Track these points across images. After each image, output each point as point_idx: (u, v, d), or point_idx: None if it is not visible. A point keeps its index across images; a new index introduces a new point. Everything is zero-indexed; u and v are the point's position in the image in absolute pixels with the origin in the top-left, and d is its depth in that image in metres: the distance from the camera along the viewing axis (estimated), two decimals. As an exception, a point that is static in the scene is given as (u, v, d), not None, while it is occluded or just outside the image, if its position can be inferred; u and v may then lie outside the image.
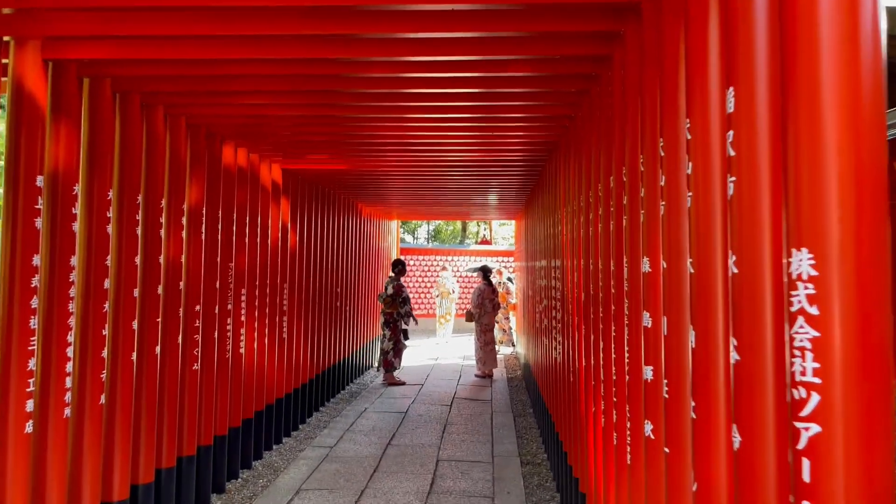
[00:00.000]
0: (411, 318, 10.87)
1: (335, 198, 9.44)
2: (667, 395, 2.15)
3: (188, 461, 4.94)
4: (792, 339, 1.25)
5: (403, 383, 10.53)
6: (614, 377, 3.05)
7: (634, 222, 2.73)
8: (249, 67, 3.69)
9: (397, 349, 10.68)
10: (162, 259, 4.48)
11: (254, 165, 6.14)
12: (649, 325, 2.44)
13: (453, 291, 16.37)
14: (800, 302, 1.23)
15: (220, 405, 5.51)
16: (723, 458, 1.81)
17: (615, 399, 3.05)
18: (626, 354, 2.79)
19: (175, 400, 4.70)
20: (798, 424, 1.24)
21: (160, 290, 4.43)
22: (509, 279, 15.20)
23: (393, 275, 11.00)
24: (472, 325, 12.38)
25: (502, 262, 19.46)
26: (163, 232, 4.46)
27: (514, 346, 14.73)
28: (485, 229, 28.22)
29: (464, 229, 29.57)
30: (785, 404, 1.41)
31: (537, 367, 8.10)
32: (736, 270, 1.54)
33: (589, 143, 3.76)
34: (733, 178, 1.56)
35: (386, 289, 10.89)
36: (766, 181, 1.50)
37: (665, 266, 2.17)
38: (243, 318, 5.87)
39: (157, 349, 4.41)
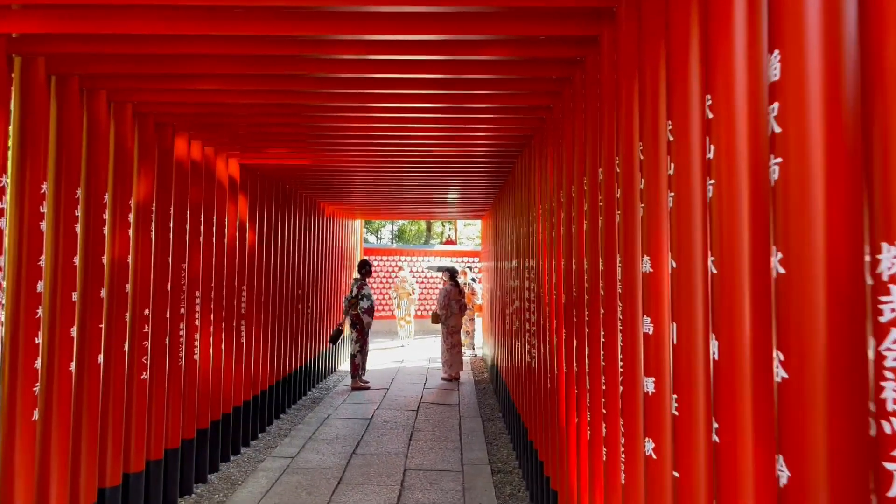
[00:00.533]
0: (367, 316, 10.32)
1: (297, 196, 9.06)
2: (676, 413, 1.89)
3: (136, 478, 4.55)
4: (880, 358, 0.99)
5: (369, 387, 10.21)
6: (604, 387, 2.79)
7: (629, 218, 2.47)
8: (203, 46, 3.34)
9: (364, 352, 10.36)
10: (106, 259, 4.09)
11: (209, 160, 5.75)
12: (650, 332, 2.18)
13: (413, 292, 15.99)
14: (893, 311, 0.97)
15: (172, 416, 5.12)
16: (750, 488, 1.55)
17: (605, 411, 2.78)
18: (620, 363, 2.53)
19: (121, 412, 4.31)
20: (889, 465, 0.98)
21: (104, 293, 4.04)
22: (474, 280, 14.95)
23: (359, 276, 10.72)
24: (436, 326, 12.19)
25: (467, 262, 19.22)
26: (107, 230, 4.07)
27: (473, 349, 14.45)
28: (450, 229, 27.92)
29: (428, 229, 29.24)
30: (855, 437, 1.15)
31: (507, 371, 7.85)
32: (782, 270, 1.28)
33: (572, 134, 3.50)
34: (778, 160, 1.29)
35: (351, 291, 10.61)
36: (819, 161, 1.24)
37: (674, 266, 1.91)
38: (197, 323, 5.48)
39: (100, 358, 4.02)
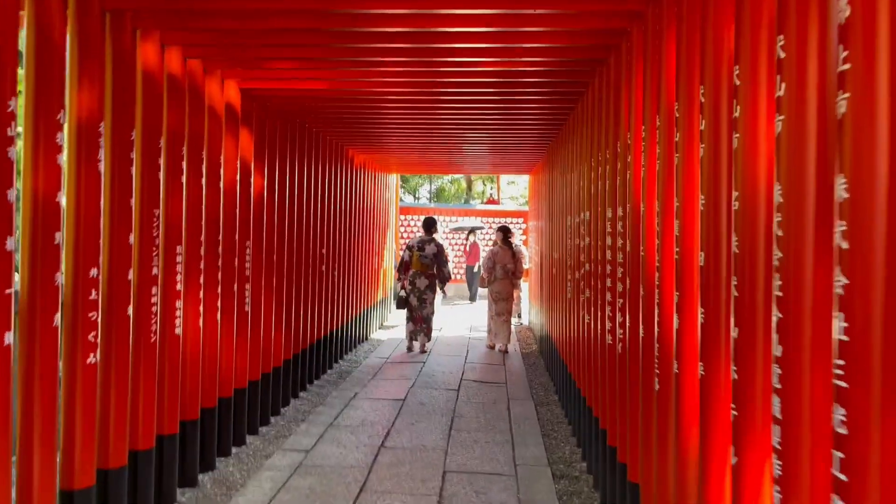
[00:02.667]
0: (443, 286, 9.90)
1: (320, 139, 7.74)
2: None
3: (82, 496, 3.35)
4: None
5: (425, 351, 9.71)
6: (778, 405, 1.42)
7: None
8: None
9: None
10: (17, 195, 2.82)
11: (195, 77, 4.43)
12: None
13: None
14: None
15: (145, 407, 3.90)
16: None
17: (779, 444, 1.42)
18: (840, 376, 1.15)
19: (53, 411, 3.08)
20: None
21: (10, 244, 2.78)
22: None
23: (426, 234, 9.76)
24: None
25: (511, 223, 17.87)
26: (15, 151, 2.79)
27: (519, 317, 13.08)
28: (491, 189, 26.37)
29: (469, 188, 27.72)
30: None
31: (567, 348, 6.50)
32: None
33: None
34: None
35: (422, 248, 9.50)
36: None
37: None
38: (180, 287, 4.23)
39: (8, 337, 2.77)
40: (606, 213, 4.18)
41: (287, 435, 5.74)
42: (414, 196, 30.02)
